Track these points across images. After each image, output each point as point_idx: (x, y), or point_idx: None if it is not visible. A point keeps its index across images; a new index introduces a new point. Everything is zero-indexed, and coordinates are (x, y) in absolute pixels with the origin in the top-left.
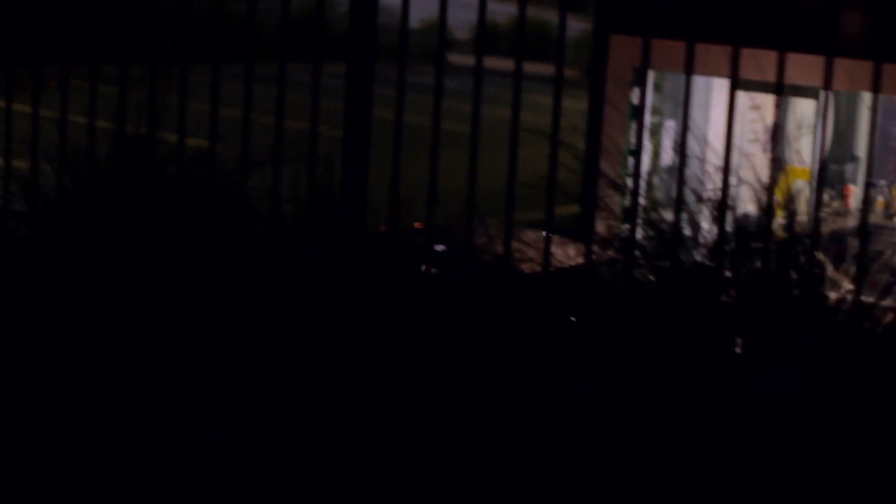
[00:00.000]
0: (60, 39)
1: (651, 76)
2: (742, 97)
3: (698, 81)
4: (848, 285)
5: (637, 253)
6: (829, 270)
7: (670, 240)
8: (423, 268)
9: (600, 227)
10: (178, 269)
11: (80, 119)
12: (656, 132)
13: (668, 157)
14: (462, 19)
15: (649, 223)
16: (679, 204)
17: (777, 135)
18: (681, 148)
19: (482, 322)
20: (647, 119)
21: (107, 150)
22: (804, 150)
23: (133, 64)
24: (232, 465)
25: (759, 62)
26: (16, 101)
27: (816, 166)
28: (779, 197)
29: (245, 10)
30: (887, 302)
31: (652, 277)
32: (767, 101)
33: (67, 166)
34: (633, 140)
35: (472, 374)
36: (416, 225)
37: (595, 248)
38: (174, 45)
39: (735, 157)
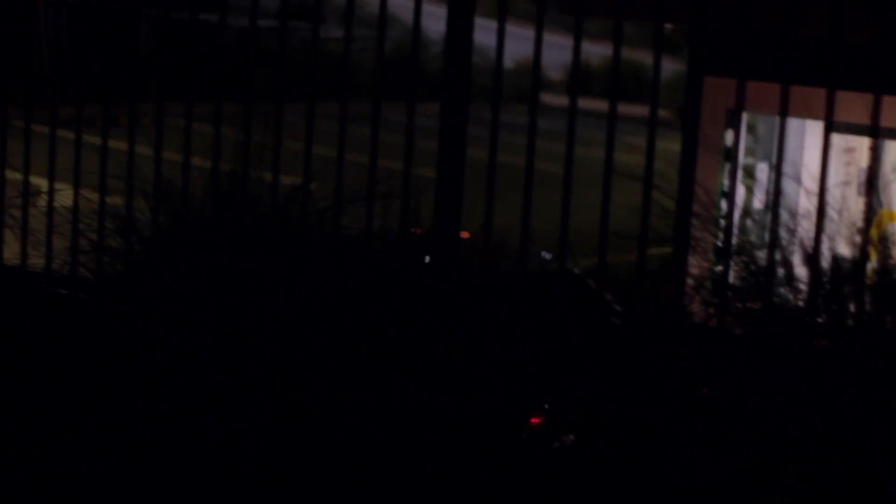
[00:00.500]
0: (156, 77)
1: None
2: (837, 139)
3: (792, 123)
4: None
5: (730, 294)
6: None
7: (763, 281)
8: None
9: (693, 267)
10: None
11: (175, 156)
12: (749, 174)
13: (761, 199)
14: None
15: (742, 264)
16: (772, 246)
17: (872, 178)
18: (774, 190)
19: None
20: (741, 160)
21: (202, 188)
22: None
23: (228, 102)
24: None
25: (854, 105)
26: (111, 138)
27: None
28: (873, 240)
29: (340, 50)
30: None
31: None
32: (862, 143)
33: (162, 203)
34: (726, 181)
35: None
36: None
37: (688, 289)
38: (269, 84)
39: (829, 200)
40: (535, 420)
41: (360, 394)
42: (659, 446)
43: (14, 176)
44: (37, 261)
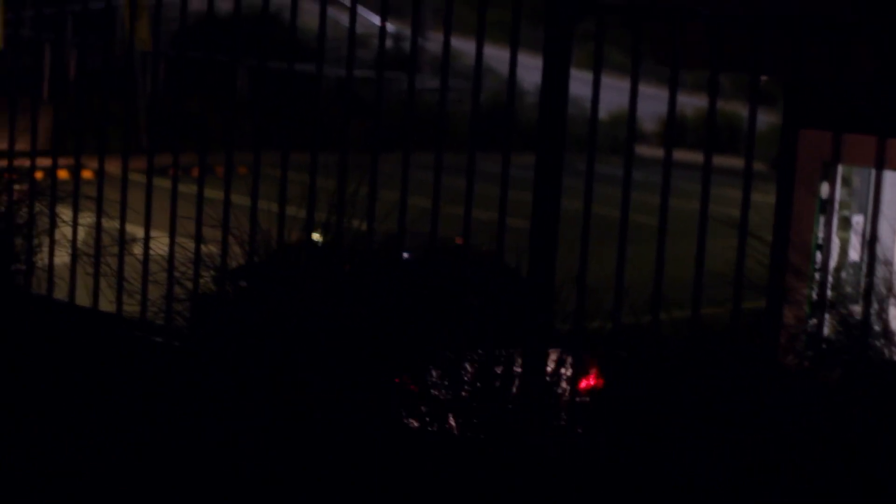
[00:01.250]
0: (252, 127)
1: (840, 170)
2: None
3: (888, 176)
4: None
5: (824, 347)
6: None
7: (859, 335)
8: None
9: (788, 320)
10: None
11: (270, 206)
12: (844, 226)
13: (855, 251)
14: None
15: (837, 317)
16: (868, 299)
17: None
18: (870, 243)
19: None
20: (836, 213)
21: (297, 237)
22: None
23: (324, 151)
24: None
25: None
26: (207, 187)
27: None
28: None
29: (436, 101)
30: None
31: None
32: None
33: (257, 253)
34: (820, 234)
35: None
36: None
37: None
38: (365, 134)
39: None
40: None
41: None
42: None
43: (111, 224)
44: (132, 308)
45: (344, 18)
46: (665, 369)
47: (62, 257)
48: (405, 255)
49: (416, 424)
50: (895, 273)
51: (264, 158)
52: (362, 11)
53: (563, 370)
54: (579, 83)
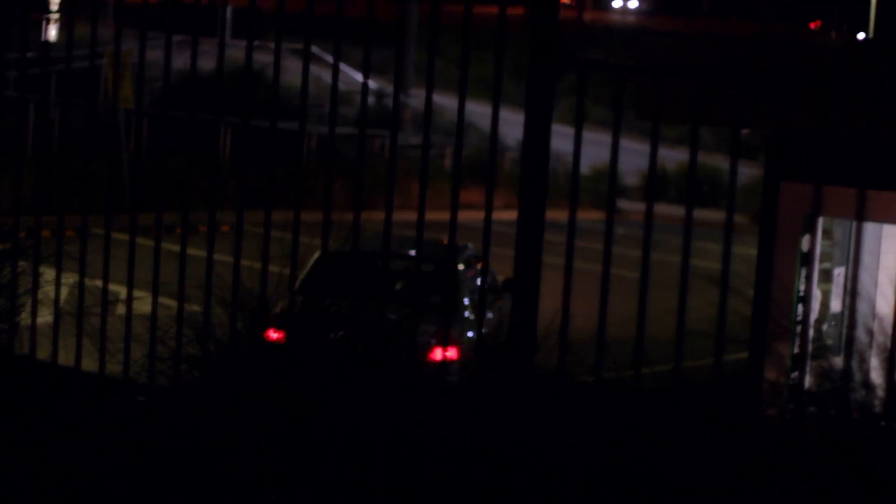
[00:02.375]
0: (235, 185)
1: (821, 222)
2: None
3: (869, 228)
4: None
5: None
6: None
7: (840, 388)
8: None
9: (769, 373)
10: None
11: (253, 264)
12: (826, 279)
13: (837, 303)
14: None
15: (819, 370)
16: (849, 352)
17: None
18: (851, 295)
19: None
20: (817, 265)
21: (280, 295)
22: None
23: (307, 209)
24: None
25: None
26: (189, 246)
27: None
28: None
29: (418, 157)
30: None
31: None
32: None
33: (240, 310)
34: (802, 287)
35: None
36: None
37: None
38: (347, 193)
39: None
40: None
41: None
42: None
43: (93, 283)
44: (115, 367)
45: (326, 76)
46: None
47: (45, 317)
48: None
49: None
50: (877, 325)
51: (247, 217)
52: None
53: None
54: (561, 138)
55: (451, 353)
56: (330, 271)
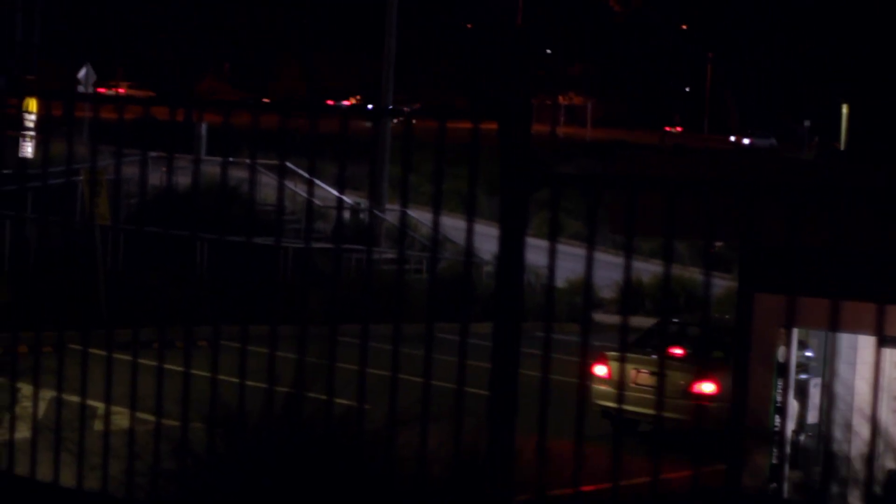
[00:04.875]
0: (212, 300)
1: (796, 333)
2: (889, 354)
3: (844, 338)
4: None
5: None
6: None
7: (818, 500)
8: None
9: (748, 483)
10: None
11: (231, 378)
12: (802, 389)
13: (814, 413)
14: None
15: (796, 480)
16: (827, 463)
17: None
18: (827, 406)
19: None
20: (793, 376)
21: (257, 410)
22: None
23: (283, 325)
24: None
25: None
26: (167, 361)
27: None
28: None
29: (393, 271)
30: None
31: None
32: None
33: (218, 425)
34: (779, 397)
35: None
36: None
37: None
38: (324, 308)
39: (883, 414)
40: None
41: None
42: None
43: (71, 398)
44: (93, 483)
45: (301, 191)
46: None
47: (23, 432)
48: None
49: None
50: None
51: (225, 331)
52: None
53: None
54: (536, 251)
55: None
56: None
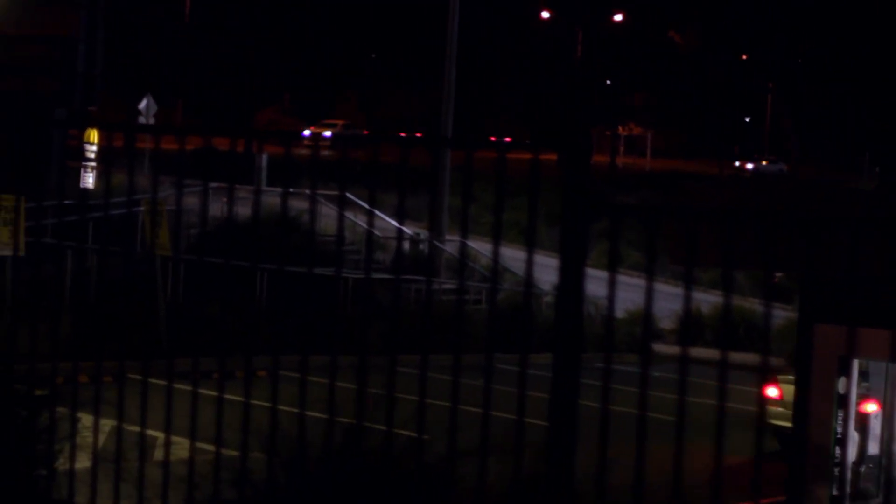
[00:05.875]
0: (272, 330)
1: (857, 364)
2: None
3: None
4: None
5: None
6: None
7: None
8: None
9: None
10: None
11: (290, 409)
12: (863, 420)
13: (875, 445)
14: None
15: None
16: (887, 494)
17: None
18: (888, 437)
19: None
20: (853, 407)
21: (317, 441)
22: None
23: (343, 355)
24: None
25: None
26: (227, 391)
27: None
28: None
29: (453, 302)
30: None
31: None
32: None
33: (278, 456)
34: (839, 428)
35: None
36: None
37: None
38: (383, 338)
39: None
40: None
41: None
42: None
43: (131, 428)
44: None
45: (361, 221)
46: None
47: (83, 462)
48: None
49: None
50: None
51: (284, 361)
52: (380, 215)
53: None
54: (596, 281)
55: None
56: None
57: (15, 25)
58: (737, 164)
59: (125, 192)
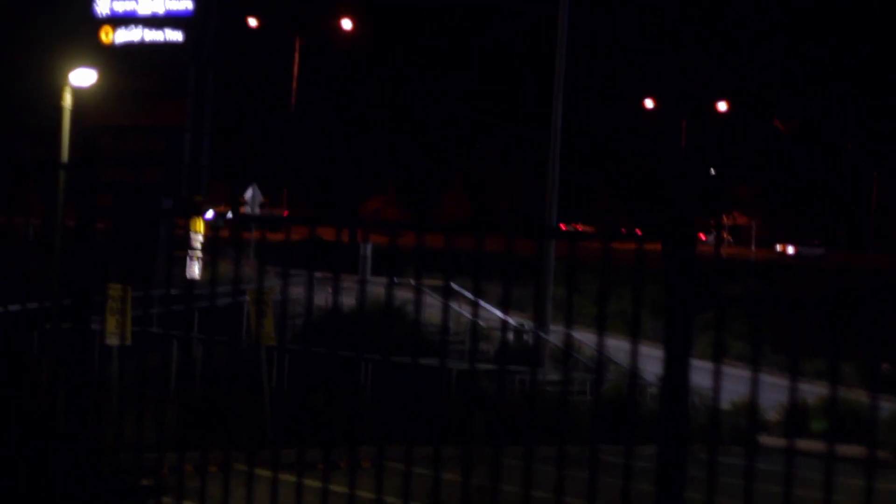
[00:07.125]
0: (375, 421)
1: None
2: None
3: None
4: None
5: None
6: None
7: None
8: None
9: None
10: None
11: (395, 500)
12: None
13: None
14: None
15: None
16: None
17: None
18: None
19: None
20: None
21: None
22: None
23: (447, 446)
24: None
25: None
26: (331, 482)
27: None
28: None
29: (557, 393)
30: None
31: None
32: None
33: None
34: None
35: None
36: None
37: None
38: (488, 429)
39: None
40: None
41: None
42: None
43: None
44: None
45: (466, 311)
46: None
47: None
48: None
49: None
50: None
51: (388, 452)
52: (485, 305)
53: None
54: (701, 373)
55: None
56: None
57: (130, 117)
58: (777, 247)
59: (231, 282)
